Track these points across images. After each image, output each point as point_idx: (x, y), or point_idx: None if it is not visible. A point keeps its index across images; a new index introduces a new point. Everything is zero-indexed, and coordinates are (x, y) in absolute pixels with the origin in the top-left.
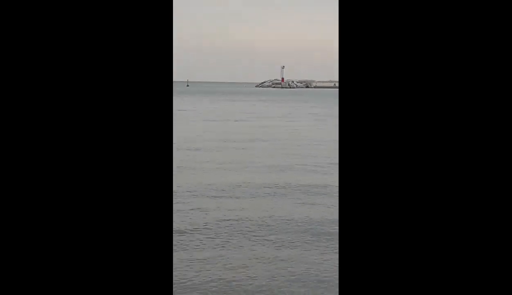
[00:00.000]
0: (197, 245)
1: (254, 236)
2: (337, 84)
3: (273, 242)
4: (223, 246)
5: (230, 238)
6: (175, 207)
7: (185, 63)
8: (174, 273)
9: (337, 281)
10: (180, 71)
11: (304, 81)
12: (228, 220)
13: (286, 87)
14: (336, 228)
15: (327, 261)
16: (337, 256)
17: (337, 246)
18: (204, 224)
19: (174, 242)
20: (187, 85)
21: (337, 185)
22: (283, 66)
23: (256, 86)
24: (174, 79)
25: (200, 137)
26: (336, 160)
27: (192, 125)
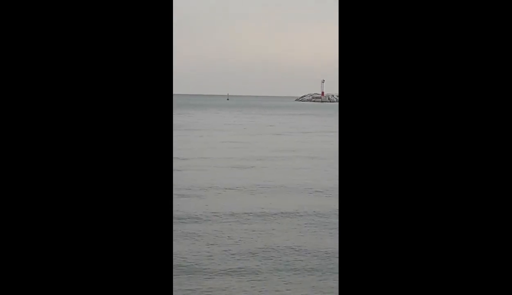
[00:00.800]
0: (214, 273)
1: (284, 264)
2: None
3: (298, 270)
4: (248, 275)
5: (259, 267)
6: (218, 227)
7: (225, 77)
8: None
9: None
10: (220, 85)
11: None
12: (259, 248)
13: (326, 101)
14: None
15: None
16: None
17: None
18: (231, 248)
19: (207, 265)
20: (227, 99)
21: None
22: (323, 80)
23: (296, 100)
24: (214, 93)
25: (243, 153)
26: None
27: (237, 138)
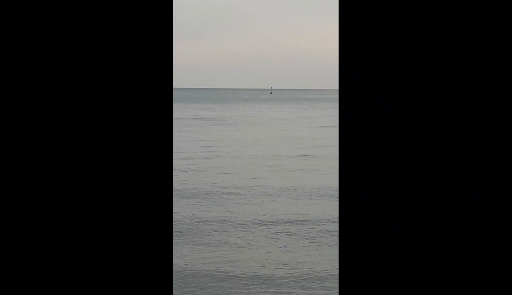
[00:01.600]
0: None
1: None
2: None
3: None
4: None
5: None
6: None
7: (268, 70)
8: None
9: None
10: (264, 78)
11: None
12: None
13: None
14: None
15: None
16: None
17: None
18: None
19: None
20: (271, 93)
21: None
22: None
23: None
24: (257, 87)
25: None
26: None
27: (288, 134)
